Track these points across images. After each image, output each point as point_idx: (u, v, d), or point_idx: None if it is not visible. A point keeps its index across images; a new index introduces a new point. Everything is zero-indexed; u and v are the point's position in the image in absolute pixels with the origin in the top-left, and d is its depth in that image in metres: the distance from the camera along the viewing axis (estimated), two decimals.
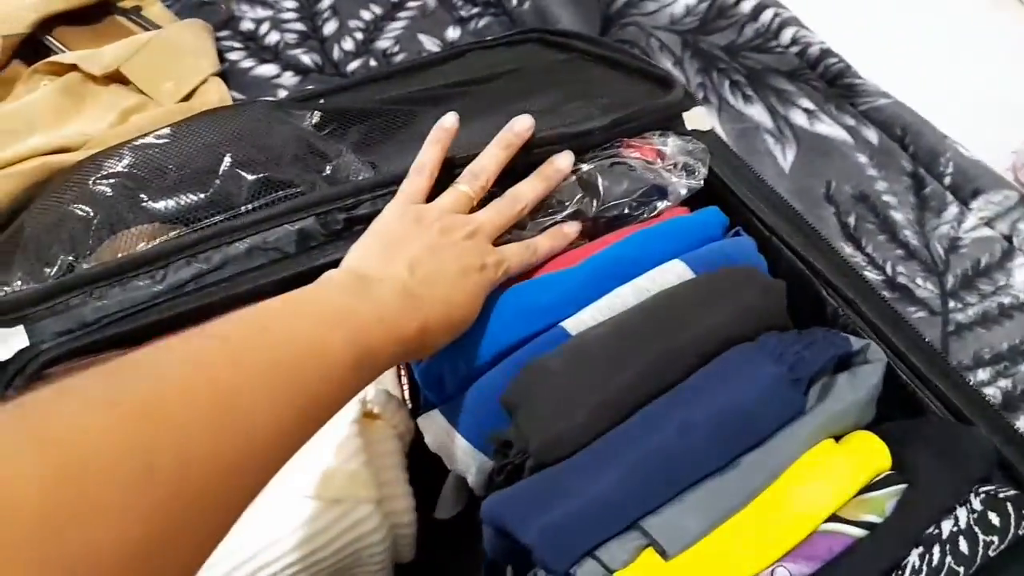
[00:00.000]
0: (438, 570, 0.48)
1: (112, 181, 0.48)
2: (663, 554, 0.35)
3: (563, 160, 0.45)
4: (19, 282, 0.45)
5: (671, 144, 0.48)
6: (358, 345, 0.31)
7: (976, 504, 0.35)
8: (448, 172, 0.45)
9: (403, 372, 0.50)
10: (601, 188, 0.46)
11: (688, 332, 0.39)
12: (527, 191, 0.44)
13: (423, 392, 0.44)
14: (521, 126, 0.44)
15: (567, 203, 0.46)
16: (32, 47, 0.70)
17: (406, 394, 0.49)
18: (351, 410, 0.43)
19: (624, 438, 0.37)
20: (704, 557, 0.35)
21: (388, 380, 0.48)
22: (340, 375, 0.30)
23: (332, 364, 0.29)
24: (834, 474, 0.36)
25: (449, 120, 0.45)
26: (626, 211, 0.47)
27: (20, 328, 0.42)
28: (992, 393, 0.50)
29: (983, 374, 0.51)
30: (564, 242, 0.45)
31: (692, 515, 0.35)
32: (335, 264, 0.45)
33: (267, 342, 0.27)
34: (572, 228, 0.45)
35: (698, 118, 0.50)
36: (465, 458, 0.42)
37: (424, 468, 0.44)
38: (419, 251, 0.38)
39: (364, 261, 0.39)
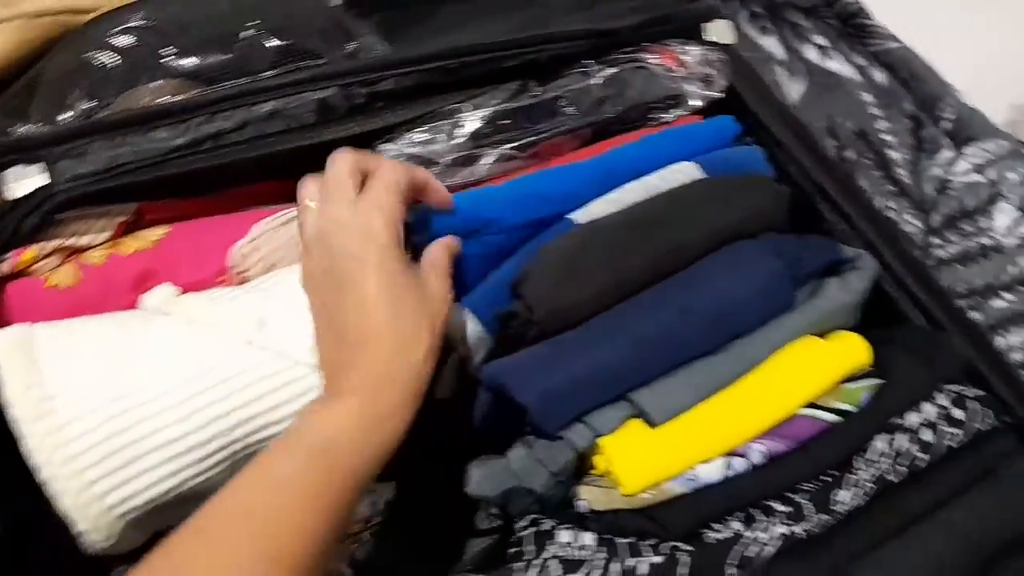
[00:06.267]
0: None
1: (134, 35, 0.48)
2: (650, 423, 0.37)
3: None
4: (37, 124, 0.45)
5: (692, 53, 0.49)
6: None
7: (942, 400, 0.38)
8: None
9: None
10: (625, 90, 0.47)
11: (698, 227, 0.41)
12: None
13: None
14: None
15: (577, 106, 0.46)
16: None
17: None
18: None
19: (626, 315, 0.39)
20: (687, 427, 0.37)
21: None
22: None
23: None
24: (816, 364, 0.39)
25: None
26: (643, 115, 0.48)
27: (42, 165, 0.42)
28: None
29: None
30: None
31: (680, 389, 0.38)
32: (352, 139, 0.46)
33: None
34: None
35: (721, 31, 0.51)
36: (470, 336, 0.43)
37: None
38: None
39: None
